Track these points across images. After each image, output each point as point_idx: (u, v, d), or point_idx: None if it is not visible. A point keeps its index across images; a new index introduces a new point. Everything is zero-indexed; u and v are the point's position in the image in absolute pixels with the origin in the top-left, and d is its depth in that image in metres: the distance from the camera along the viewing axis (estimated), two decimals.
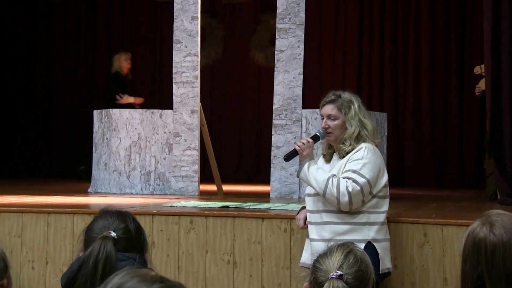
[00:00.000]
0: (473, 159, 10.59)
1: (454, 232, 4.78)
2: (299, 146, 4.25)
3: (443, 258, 4.79)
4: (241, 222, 5.13)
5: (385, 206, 4.31)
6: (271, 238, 5.06)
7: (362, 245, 4.06)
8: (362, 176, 4.12)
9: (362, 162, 4.16)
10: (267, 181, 7.70)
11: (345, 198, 4.07)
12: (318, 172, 4.17)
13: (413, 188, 9.77)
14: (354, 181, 4.09)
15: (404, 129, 11.17)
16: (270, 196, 7.32)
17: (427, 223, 4.88)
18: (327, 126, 4.29)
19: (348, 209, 4.14)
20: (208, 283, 5.12)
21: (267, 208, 5.64)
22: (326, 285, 2.54)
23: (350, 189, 4.07)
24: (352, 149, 4.23)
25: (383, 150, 7.39)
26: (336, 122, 4.28)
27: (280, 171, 7.43)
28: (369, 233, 4.20)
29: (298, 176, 4.31)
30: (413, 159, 11.04)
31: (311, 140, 4.27)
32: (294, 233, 4.97)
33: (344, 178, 4.10)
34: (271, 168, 7.47)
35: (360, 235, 4.17)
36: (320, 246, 3.87)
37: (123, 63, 10.12)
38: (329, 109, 4.32)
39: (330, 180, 4.10)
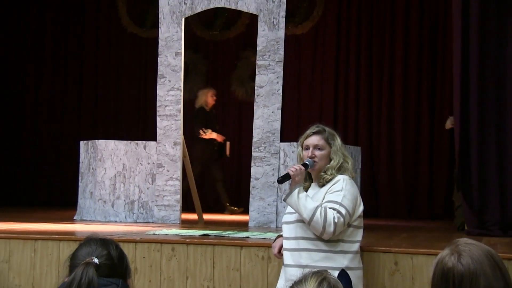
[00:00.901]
0: (442, 192, 10.64)
1: (423, 260, 4.80)
2: (292, 171, 4.25)
3: (413, 286, 4.81)
4: (220, 250, 5.14)
5: (359, 235, 4.33)
6: (249, 266, 5.06)
7: (336, 273, 4.08)
8: (344, 207, 4.13)
9: (343, 194, 4.17)
10: (246, 211, 7.70)
11: (330, 229, 4.08)
12: (307, 200, 4.18)
13: (386, 219, 9.80)
14: (339, 212, 4.10)
15: (377, 162, 11.21)
16: (249, 225, 7.32)
17: (398, 252, 4.90)
18: (313, 155, 4.33)
19: (328, 238, 4.15)
20: None
21: (245, 237, 5.65)
22: None
23: (336, 220, 4.08)
24: (332, 179, 4.26)
25: (358, 182, 7.42)
26: (323, 152, 4.31)
27: (258, 201, 7.44)
28: (343, 261, 4.21)
29: (285, 200, 4.30)
30: (386, 192, 11.07)
31: (303, 168, 4.30)
32: (271, 260, 4.98)
33: (330, 208, 4.12)
34: (250, 199, 7.47)
35: (335, 263, 4.18)
36: (295, 272, 3.89)
37: (209, 99, 10.13)
38: (316, 139, 4.34)
39: (318, 209, 4.11)
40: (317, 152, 4.31)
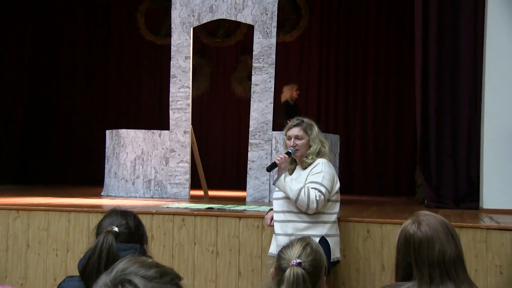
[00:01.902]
0: (407, 172, 10.64)
1: (390, 229, 4.81)
2: (278, 160, 4.26)
3: (382, 250, 4.82)
4: (222, 221, 5.14)
5: (336, 208, 4.34)
6: (247, 233, 5.06)
7: (317, 239, 4.08)
8: (323, 186, 4.14)
9: (322, 175, 4.18)
10: (244, 188, 7.71)
11: (313, 205, 4.10)
12: (292, 182, 4.19)
13: (360, 195, 9.81)
14: (320, 191, 4.11)
15: (353, 148, 11.23)
16: (246, 200, 7.33)
17: (370, 222, 4.91)
18: (295, 144, 4.33)
19: (312, 212, 4.16)
20: (196, 269, 5.12)
21: (243, 210, 5.65)
22: (287, 271, 2.55)
23: (317, 198, 4.09)
24: (313, 162, 4.27)
25: (336, 164, 7.42)
26: (302, 141, 4.32)
27: (254, 180, 7.44)
28: (323, 229, 4.22)
29: (274, 184, 4.30)
30: (360, 172, 11.09)
31: (287, 156, 4.30)
32: (264, 229, 4.98)
33: (312, 188, 4.12)
34: (247, 178, 7.48)
35: (316, 231, 4.18)
36: (284, 240, 3.89)
37: (294, 93, 9.71)
38: (296, 131, 4.35)
39: (302, 190, 4.12)
40: (298, 141, 4.32)
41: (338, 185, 4.32)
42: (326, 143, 4.41)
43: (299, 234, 4.01)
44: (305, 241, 2.71)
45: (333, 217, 4.31)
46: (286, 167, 4.29)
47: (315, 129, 4.39)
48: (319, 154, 4.32)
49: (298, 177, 4.29)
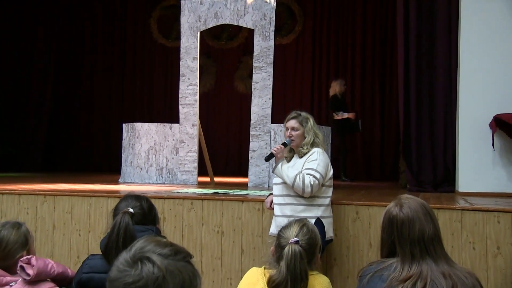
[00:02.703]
0: (391, 160, 10.66)
1: (377, 210, 4.81)
2: (275, 150, 4.27)
3: (369, 229, 4.83)
4: (227, 204, 5.14)
5: (329, 192, 4.33)
6: (248, 215, 5.07)
7: (313, 220, 4.09)
8: (318, 172, 4.14)
9: (317, 162, 4.17)
10: (246, 175, 7.71)
11: (308, 189, 4.10)
12: (289, 170, 4.19)
13: (349, 180, 9.81)
14: (314, 176, 4.11)
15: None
16: (248, 185, 7.33)
17: (359, 204, 4.91)
18: (291, 135, 4.32)
19: (308, 196, 4.16)
20: (203, 247, 5.12)
21: (246, 194, 5.65)
22: (286, 248, 2.56)
23: (312, 183, 4.09)
24: (308, 152, 4.26)
25: (328, 153, 7.42)
26: (298, 132, 4.31)
27: (255, 168, 7.44)
28: (318, 211, 4.22)
29: (273, 172, 4.30)
30: (350, 159, 11.08)
31: (282, 146, 4.30)
32: (264, 212, 4.99)
33: (307, 174, 4.12)
34: (249, 165, 7.48)
35: (312, 213, 4.18)
36: (283, 221, 3.90)
37: (342, 88, 9.34)
38: (292, 123, 4.35)
39: (297, 176, 4.12)
40: (294, 133, 4.32)
41: (331, 172, 4.31)
42: (320, 134, 4.39)
43: (297, 215, 4.01)
44: (302, 222, 2.72)
45: (327, 201, 4.30)
46: (282, 156, 4.29)
47: (311, 121, 4.37)
48: (313, 144, 4.30)
49: (294, 164, 4.29)
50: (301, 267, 2.50)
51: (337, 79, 9.65)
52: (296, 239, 2.57)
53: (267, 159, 4.45)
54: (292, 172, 4.16)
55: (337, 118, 9.11)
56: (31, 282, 2.65)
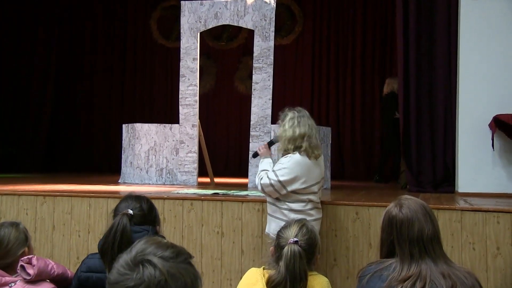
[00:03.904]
0: (390, 160, 10.64)
1: (377, 211, 4.81)
2: (258, 150, 4.39)
3: (369, 229, 4.83)
4: (227, 204, 5.14)
5: (299, 204, 4.14)
6: (248, 216, 5.07)
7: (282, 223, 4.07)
8: (275, 174, 4.05)
9: (282, 166, 4.07)
10: (246, 175, 7.71)
11: (258, 186, 4.15)
12: (262, 164, 4.25)
13: (350, 181, 9.79)
14: (268, 176, 4.07)
15: (343, 139, 11.22)
16: (248, 186, 7.32)
17: (358, 205, 4.91)
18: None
19: (262, 192, 4.18)
20: (203, 248, 5.12)
21: (245, 195, 5.65)
22: (285, 248, 2.56)
23: (261, 182, 4.10)
24: (287, 154, 4.13)
25: (328, 154, 7.41)
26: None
27: (255, 168, 7.43)
28: (286, 217, 4.09)
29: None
30: (350, 160, 11.09)
31: (266, 144, 4.38)
32: (264, 212, 4.99)
33: (267, 172, 4.13)
34: (249, 166, 7.47)
35: (281, 216, 4.15)
36: (269, 218, 4.14)
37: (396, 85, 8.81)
38: (279, 123, 4.35)
39: (260, 172, 4.18)
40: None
41: (302, 186, 4.06)
42: (306, 141, 4.09)
43: (272, 215, 4.13)
44: (301, 222, 2.73)
45: (299, 207, 4.12)
46: (266, 153, 4.33)
47: (286, 120, 4.15)
48: (296, 149, 4.09)
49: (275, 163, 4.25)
50: (300, 267, 2.50)
51: (392, 76, 9.31)
52: (295, 239, 2.57)
53: (253, 156, 4.60)
54: (263, 167, 4.22)
55: (396, 117, 8.53)
56: (31, 282, 2.66)
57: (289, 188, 4.05)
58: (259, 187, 4.11)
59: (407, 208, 2.32)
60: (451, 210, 4.63)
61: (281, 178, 4.03)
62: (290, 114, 4.19)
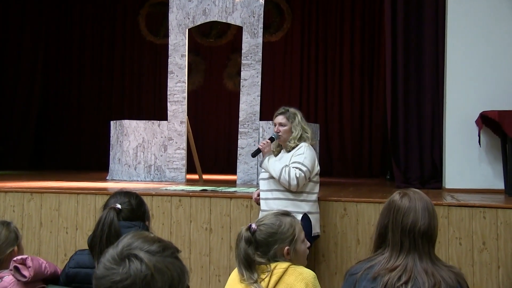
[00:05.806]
0: (379, 157, 10.70)
1: (364, 207, 4.84)
2: (261, 146, 4.31)
3: (357, 225, 4.85)
4: (215, 201, 5.15)
5: (316, 188, 4.36)
6: (237, 212, 5.08)
7: (300, 216, 4.11)
8: (304, 166, 4.16)
9: (304, 156, 4.20)
10: (234, 172, 7.71)
11: (294, 182, 4.13)
12: (275, 163, 4.23)
13: (338, 177, 9.83)
14: (300, 169, 4.14)
15: (331, 135, 11.22)
16: (237, 182, 7.33)
17: (346, 201, 4.94)
18: (278, 130, 4.36)
19: (295, 189, 4.18)
20: (192, 244, 5.12)
21: (234, 191, 5.65)
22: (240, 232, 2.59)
23: (297, 176, 4.12)
24: (296, 146, 4.28)
25: (317, 149, 7.42)
26: (285, 127, 4.36)
27: (243, 165, 7.45)
28: (306, 207, 4.24)
29: (261, 166, 4.36)
30: (338, 157, 11.10)
31: (269, 141, 4.34)
32: (253, 208, 5.00)
33: (293, 167, 4.14)
34: (238, 163, 7.48)
35: (299, 208, 4.20)
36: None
37: None
38: (280, 118, 4.40)
39: (283, 169, 4.15)
40: (281, 128, 4.36)
41: (318, 168, 4.33)
42: (309, 129, 4.41)
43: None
44: (279, 213, 2.67)
45: (314, 197, 4.33)
46: (269, 150, 4.33)
47: (298, 117, 4.39)
48: (301, 139, 4.32)
49: (281, 158, 4.32)
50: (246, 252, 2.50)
51: None
52: (253, 225, 2.56)
53: (254, 154, 4.48)
54: (279, 165, 4.19)
55: None
56: (27, 283, 2.62)
57: (313, 174, 4.25)
58: (295, 182, 4.12)
59: (408, 198, 2.36)
60: (439, 205, 4.67)
61: (309, 165, 4.18)
62: (298, 113, 4.44)
